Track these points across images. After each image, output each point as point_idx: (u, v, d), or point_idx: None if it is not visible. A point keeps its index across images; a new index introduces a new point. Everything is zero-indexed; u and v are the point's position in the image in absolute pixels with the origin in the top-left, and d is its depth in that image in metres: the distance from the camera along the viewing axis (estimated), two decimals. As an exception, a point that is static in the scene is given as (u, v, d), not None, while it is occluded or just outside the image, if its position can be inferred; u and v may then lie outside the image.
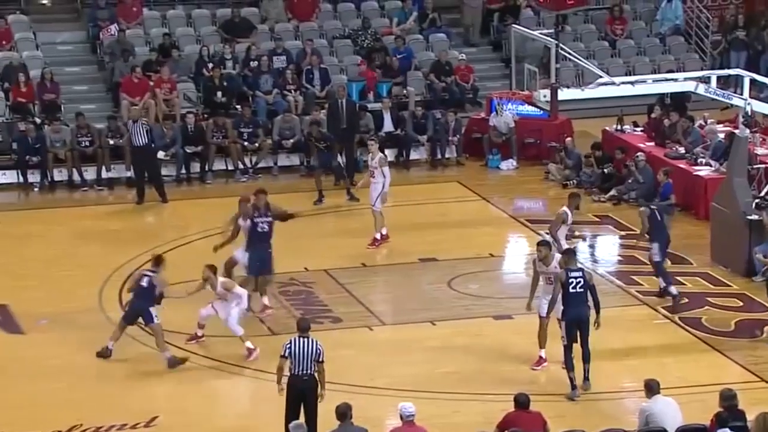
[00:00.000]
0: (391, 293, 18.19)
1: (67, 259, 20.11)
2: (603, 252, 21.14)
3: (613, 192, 22.88)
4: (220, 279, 16.93)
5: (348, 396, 13.94)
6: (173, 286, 16.69)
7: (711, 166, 22.20)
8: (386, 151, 24.91)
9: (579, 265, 15.64)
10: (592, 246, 21.15)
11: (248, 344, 16.60)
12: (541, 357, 16.10)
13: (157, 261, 16.56)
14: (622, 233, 21.45)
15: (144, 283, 16.35)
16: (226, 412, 15.37)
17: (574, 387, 15.25)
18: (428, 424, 13.00)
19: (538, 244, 16.46)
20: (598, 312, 15.43)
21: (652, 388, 13.21)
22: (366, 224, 20.47)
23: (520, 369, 16.10)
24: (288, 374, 13.83)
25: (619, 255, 20.73)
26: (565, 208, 18.00)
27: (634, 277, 19.38)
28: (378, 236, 20.16)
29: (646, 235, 18.51)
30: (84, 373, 16.23)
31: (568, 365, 15.29)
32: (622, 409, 14.70)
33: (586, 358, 15.34)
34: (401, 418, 12.70)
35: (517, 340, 17.09)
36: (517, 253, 21.01)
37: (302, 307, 18.11)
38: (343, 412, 12.67)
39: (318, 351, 13.81)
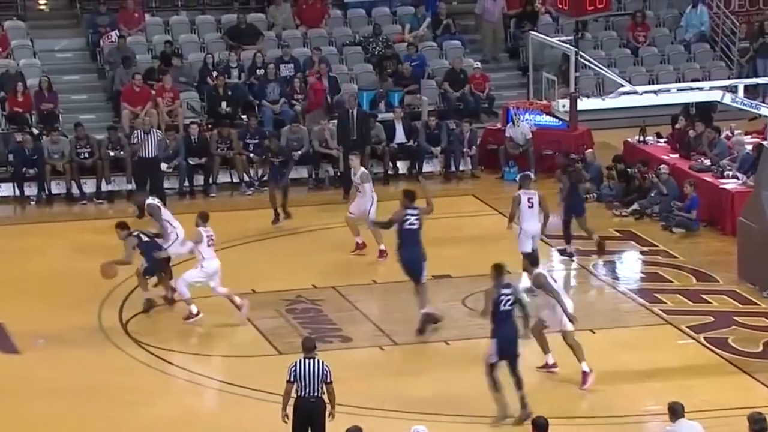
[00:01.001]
0: (403, 311, 18.18)
1: (65, 276, 20.14)
2: (625, 269, 21.11)
3: (635, 206, 22.86)
4: (149, 204, 18.53)
5: (358, 419, 13.94)
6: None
7: (738, 179, 22.17)
8: (398, 163, 25.17)
9: (511, 284, 15.52)
10: (613, 262, 21.14)
11: (192, 307, 17.66)
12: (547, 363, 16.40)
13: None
14: (645, 249, 21.43)
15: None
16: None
17: (524, 406, 15.12)
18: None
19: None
20: (526, 326, 15.54)
21: (676, 412, 13.18)
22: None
23: (535, 390, 16.06)
24: (294, 396, 13.83)
25: (642, 272, 20.70)
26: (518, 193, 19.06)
27: (657, 295, 19.35)
28: (382, 247, 20.17)
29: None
30: (80, 396, 16.23)
31: (496, 385, 15.20)
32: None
33: (518, 385, 15.23)
34: (414, 440, 12.73)
35: (532, 360, 17.06)
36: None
37: (310, 326, 18.12)
38: (354, 436, 12.67)
39: (325, 372, 13.80)
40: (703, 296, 19.31)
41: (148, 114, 24.93)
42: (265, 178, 24.22)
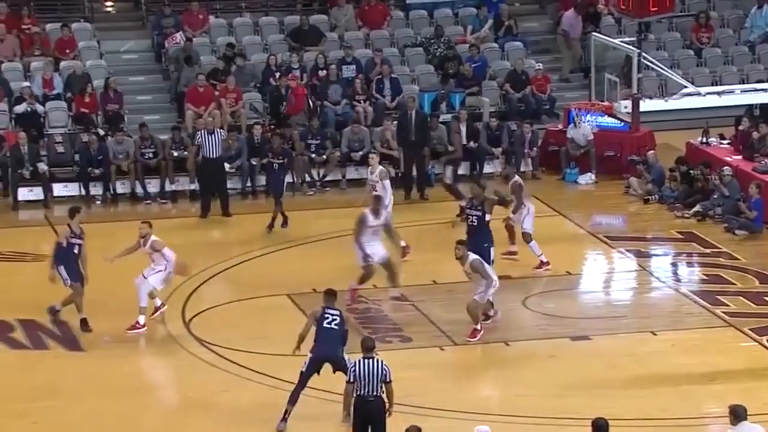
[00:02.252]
0: (463, 312, 18.13)
1: (129, 275, 20.27)
2: (687, 271, 20.94)
3: (698, 207, 22.65)
4: (153, 238, 17.86)
5: (418, 419, 13.93)
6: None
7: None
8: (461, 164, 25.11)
9: (337, 308, 15.36)
10: (674, 264, 20.98)
11: (141, 318, 17.68)
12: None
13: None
14: (707, 251, 21.24)
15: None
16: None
17: (284, 419, 14.99)
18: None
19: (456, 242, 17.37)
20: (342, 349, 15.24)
21: (738, 415, 13.02)
22: (442, 239, 20.36)
23: (596, 393, 15.96)
24: (354, 395, 13.85)
25: (704, 274, 20.51)
26: (366, 211, 18.66)
27: (719, 297, 19.17)
28: (404, 244, 20.19)
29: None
30: (146, 392, 16.35)
31: (293, 398, 15.07)
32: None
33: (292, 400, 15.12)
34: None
35: (594, 361, 16.97)
36: (596, 272, 20.86)
37: (370, 326, 18.12)
38: (415, 435, 12.65)
39: (384, 372, 13.81)
40: (766, 299, 19.09)
41: (212, 115, 25.04)
42: (326, 179, 24.33)
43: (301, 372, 15.15)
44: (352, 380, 13.86)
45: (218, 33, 27.81)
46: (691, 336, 17.02)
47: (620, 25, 28.12)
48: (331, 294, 15.52)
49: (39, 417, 15.81)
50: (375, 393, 13.77)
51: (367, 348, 14.05)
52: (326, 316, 15.20)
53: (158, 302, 18.29)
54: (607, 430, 12.89)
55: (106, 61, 26.95)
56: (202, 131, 23.31)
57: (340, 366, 14.97)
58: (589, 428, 12.93)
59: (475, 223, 18.40)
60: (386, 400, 13.83)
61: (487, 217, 18.41)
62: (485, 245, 18.23)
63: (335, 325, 15.15)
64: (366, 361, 13.85)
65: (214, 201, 23.14)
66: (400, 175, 24.49)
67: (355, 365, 13.87)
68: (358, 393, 13.83)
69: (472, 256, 17.27)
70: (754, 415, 13.34)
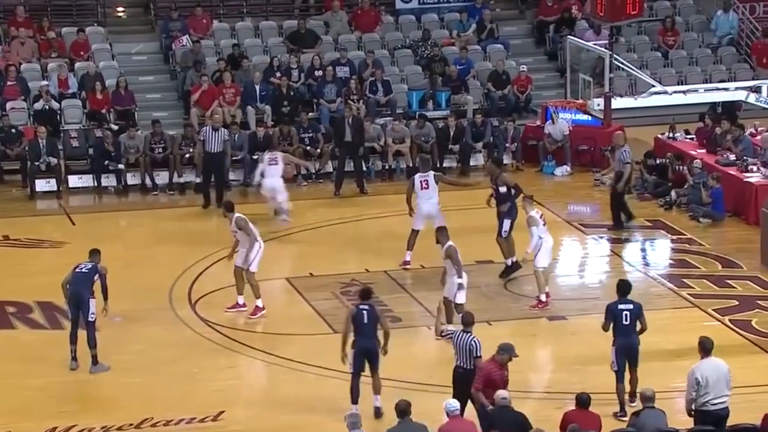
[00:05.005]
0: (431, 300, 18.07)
1: (139, 259, 20.23)
2: (655, 255, 20.92)
3: (672, 194, 22.56)
4: (236, 215, 17.55)
5: (407, 393, 13.88)
6: None
7: (761, 172, 21.88)
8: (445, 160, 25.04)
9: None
10: (644, 250, 20.96)
11: (259, 302, 17.42)
12: None
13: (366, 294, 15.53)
14: (674, 237, 21.23)
15: None
16: (290, 409, 15.33)
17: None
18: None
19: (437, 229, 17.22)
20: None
21: (706, 348, 13.41)
22: (431, 228, 20.30)
23: (573, 368, 15.93)
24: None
25: (671, 259, 20.50)
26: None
27: (685, 280, 19.17)
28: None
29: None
30: (155, 369, 16.30)
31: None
32: (674, 408, 14.47)
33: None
34: (447, 414, 12.71)
35: (571, 340, 16.94)
36: (571, 256, 20.82)
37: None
38: (403, 409, 12.62)
39: (472, 346, 13.86)
40: (728, 281, 19.10)
41: (215, 112, 24.98)
42: (321, 172, 24.29)
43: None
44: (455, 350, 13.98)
45: (221, 36, 27.74)
46: (659, 316, 16.97)
47: (593, 29, 28.04)
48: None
49: (57, 391, 15.78)
50: (467, 366, 13.84)
51: (466, 323, 14.15)
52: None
53: (241, 300, 17.90)
54: (588, 405, 12.92)
55: (117, 62, 26.87)
56: (208, 127, 23.22)
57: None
58: (568, 401, 12.93)
59: (496, 198, 18.68)
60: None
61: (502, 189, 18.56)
62: (499, 216, 18.55)
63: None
64: (463, 334, 13.97)
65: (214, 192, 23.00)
66: (386, 168, 24.49)
67: (455, 336, 14.04)
68: (457, 363, 14.02)
69: (449, 243, 17.00)
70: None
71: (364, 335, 14.71)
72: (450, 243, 16.99)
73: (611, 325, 14.72)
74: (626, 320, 14.66)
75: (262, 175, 21.68)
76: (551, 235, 18.20)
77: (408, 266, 19.51)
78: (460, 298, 16.66)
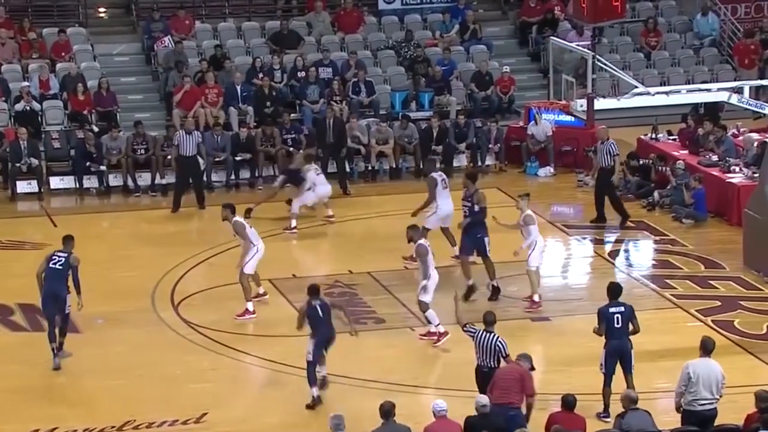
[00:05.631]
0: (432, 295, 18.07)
1: (121, 261, 20.19)
2: (638, 256, 20.98)
3: (656, 195, 22.62)
4: (235, 219, 17.59)
5: (391, 394, 13.89)
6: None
7: (743, 173, 21.97)
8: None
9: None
10: (627, 251, 21.02)
11: (249, 305, 17.51)
12: None
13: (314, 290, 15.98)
14: (657, 238, 21.29)
15: None
16: (273, 410, 15.32)
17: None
18: (468, 422, 12.89)
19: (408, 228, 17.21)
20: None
21: (706, 348, 13.47)
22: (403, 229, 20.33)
23: (557, 369, 15.96)
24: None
25: (654, 260, 20.55)
26: None
27: (668, 281, 19.22)
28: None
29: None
30: (137, 371, 16.26)
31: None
32: (658, 408, 14.52)
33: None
34: (434, 414, 12.73)
35: (555, 340, 16.96)
36: (554, 257, 20.86)
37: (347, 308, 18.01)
38: (387, 411, 12.63)
39: (498, 347, 13.95)
40: (711, 282, 19.16)
41: (197, 114, 24.93)
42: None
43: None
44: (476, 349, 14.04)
45: (204, 37, 27.69)
46: (642, 317, 16.89)
47: (576, 30, 28.09)
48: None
49: (38, 393, 15.73)
50: (491, 365, 13.90)
51: (488, 322, 14.21)
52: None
53: (261, 290, 18.12)
54: (574, 407, 12.94)
55: (99, 63, 26.79)
56: (181, 131, 23.12)
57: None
58: (552, 402, 12.96)
59: (467, 214, 18.25)
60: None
61: (477, 207, 18.12)
62: (478, 236, 18.10)
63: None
64: (486, 333, 14.03)
65: (189, 195, 22.85)
66: (369, 168, 24.48)
67: (477, 334, 14.07)
68: (479, 362, 14.06)
69: (421, 241, 17.03)
70: (701, 390, 13.37)
71: (324, 328, 15.17)
72: (421, 242, 17.05)
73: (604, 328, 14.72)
74: (618, 323, 14.65)
75: (313, 188, 21.41)
76: (542, 237, 18.23)
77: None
78: (424, 296, 16.80)
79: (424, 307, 16.76)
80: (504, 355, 13.97)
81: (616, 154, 21.41)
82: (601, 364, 14.70)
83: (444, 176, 19.76)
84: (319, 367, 15.24)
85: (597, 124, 24.72)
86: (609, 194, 21.63)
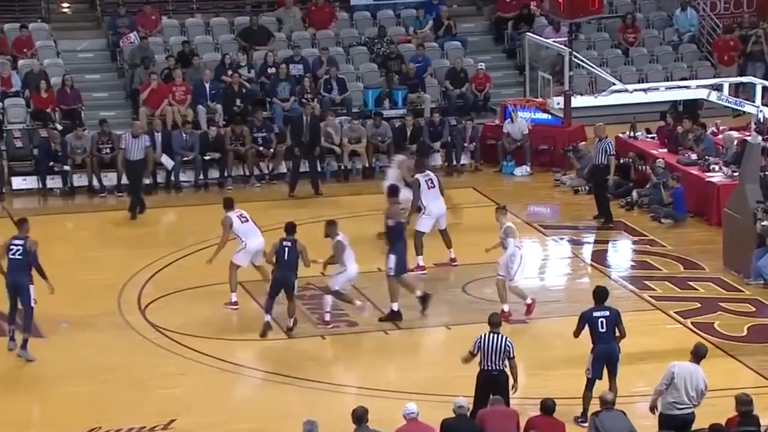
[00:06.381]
0: (407, 297, 18.09)
1: (86, 263, 20.10)
2: (616, 257, 21.03)
3: (634, 194, 22.70)
4: (226, 214, 17.98)
5: (364, 399, 13.88)
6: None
7: (723, 171, 22.06)
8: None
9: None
10: (605, 251, 21.07)
11: (233, 296, 17.92)
12: None
13: (290, 228, 17.25)
14: (635, 239, 21.35)
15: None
16: (244, 416, 15.29)
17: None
18: (443, 427, 12.90)
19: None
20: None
21: (698, 354, 13.56)
22: (377, 229, 20.34)
23: (534, 372, 15.98)
24: (478, 368, 14.04)
25: (632, 260, 20.62)
26: None
27: (647, 282, 19.29)
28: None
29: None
30: (103, 376, 16.19)
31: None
32: (637, 413, 14.57)
33: None
34: (404, 417, 12.76)
35: (531, 343, 16.99)
36: (531, 258, 20.87)
37: (318, 311, 18.02)
38: (360, 416, 12.62)
39: (507, 347, 13.92)
40: (690, 283, 19.23)
41: (164, 112, 24.84)
42: (275, 172, 24.25)
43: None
44: (474, 351, 13.98)
45: (171, 33, 27.60)
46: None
47: (553, 26, 28.15)
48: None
49: (2, 401, 15.61)
50: (499, 367, 13.88)
51: (493, 323, 14.16)
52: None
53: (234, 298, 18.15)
54: (553, 412, 12.96)
55: (63, 60, 26.67)
56: (127, 135, 23.00)
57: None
58: (529, 406, 12.98)
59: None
60: (510, 375, 13.92)
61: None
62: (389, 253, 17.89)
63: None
64: (491, 335, 13.97)
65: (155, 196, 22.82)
66: (342, 168, 24.52)
67: (480, 339, 13.97)
68: (483, 366, 13.96)
69: (338, 237, 17.32)
70: (681, 393, 13.41)
71: (283, 268, 16.66)
72: (339, 238, 17.27)
73: (582, 331, 14.72)
74: (603, 327, 14.64)
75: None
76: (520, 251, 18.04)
77: (423, 271, 19.32)
78: (333, 284, 17.36)
79: (327, 291, 17.35)
80: (511, 356, 13.96)
81: (611, 154, 21.50)
82: (588, 369, 14.72)
83: (431, 176, 19.67)
84: (288, 318, 16.69)
85: (575, 123, 24.84)
86: (599, 192, 21.67)
